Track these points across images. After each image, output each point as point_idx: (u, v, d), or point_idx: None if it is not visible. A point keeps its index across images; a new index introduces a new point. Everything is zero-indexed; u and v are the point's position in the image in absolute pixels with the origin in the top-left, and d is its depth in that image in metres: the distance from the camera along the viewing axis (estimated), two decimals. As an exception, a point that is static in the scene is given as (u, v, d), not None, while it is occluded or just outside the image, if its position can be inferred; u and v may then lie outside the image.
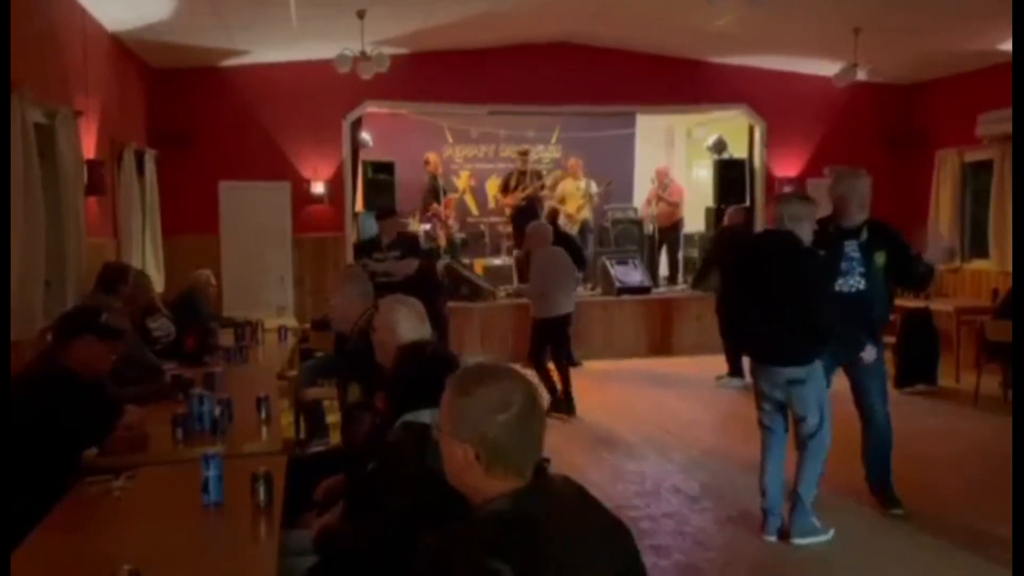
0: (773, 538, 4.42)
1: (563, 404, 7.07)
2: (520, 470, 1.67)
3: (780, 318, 4.17)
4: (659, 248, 11.17)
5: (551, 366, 7.24)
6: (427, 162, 10.76)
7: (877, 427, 4.70)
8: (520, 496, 1.62)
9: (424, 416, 2.50)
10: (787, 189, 10.37)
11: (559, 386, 7.14)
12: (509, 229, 11.25)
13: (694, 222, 11.26)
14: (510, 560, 1.50)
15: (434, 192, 10.59)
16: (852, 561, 4.24)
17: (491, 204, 12.04)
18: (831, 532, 4.39)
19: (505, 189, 10.84)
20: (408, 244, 7.77)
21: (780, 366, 4.26)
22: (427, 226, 10.53)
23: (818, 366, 4.27)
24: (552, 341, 7.23)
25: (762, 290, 4.22)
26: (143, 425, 3.47)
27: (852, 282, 4.56)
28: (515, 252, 10.22)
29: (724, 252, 8.15)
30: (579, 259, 8.82)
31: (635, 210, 11.82)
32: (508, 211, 10.81)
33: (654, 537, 4.54)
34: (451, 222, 10.70)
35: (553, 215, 9.79)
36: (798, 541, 4.35)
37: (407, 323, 3.32)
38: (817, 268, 4.29)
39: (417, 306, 3.43)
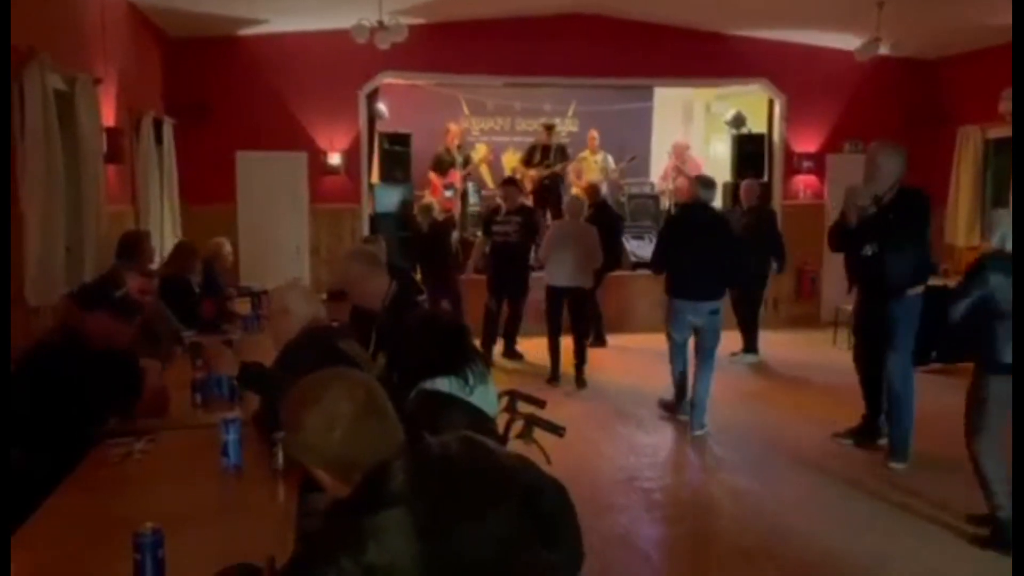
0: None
1: (576, 379, 7.27)
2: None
3: (710, 268, 5.76)
4: (675, 223, 11.08)
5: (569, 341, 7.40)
6: (447, 131, 10.67)
7: (889, 385, 5.27)
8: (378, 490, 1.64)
9: (441, 384, 2.53)
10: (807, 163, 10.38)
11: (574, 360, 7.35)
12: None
13: (711, 197, 11.16)
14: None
15: (438, 162, 10.51)
16: (863, 518, 4.31)
17: (508, 177, 11.95)
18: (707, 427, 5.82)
19: (528, 163, 10.61)
20: (527, 212, 8.25)
21: (707, 300, 5.82)
22: (448, 193, 10.44)
23: (723, 303, 6.05)
24: (558, 311, 7.36)
25: (700, 250, 5.75)
26: (164, 385, 3.51)
27: (870, 247, 5.02)
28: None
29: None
30: (615, 241, 8.79)
31: (651, 185, 11.74)
32: (529, 185, 10.65)
33: (666, 508, 4.58)
34: (447, 193, 10.49)
35: (595, 191, 9.18)
36: (698, 432, 5.77)
37: (299, 301, 3.41)
38: (731, 230, 6.31)
39: (304, 287, 3.60)
